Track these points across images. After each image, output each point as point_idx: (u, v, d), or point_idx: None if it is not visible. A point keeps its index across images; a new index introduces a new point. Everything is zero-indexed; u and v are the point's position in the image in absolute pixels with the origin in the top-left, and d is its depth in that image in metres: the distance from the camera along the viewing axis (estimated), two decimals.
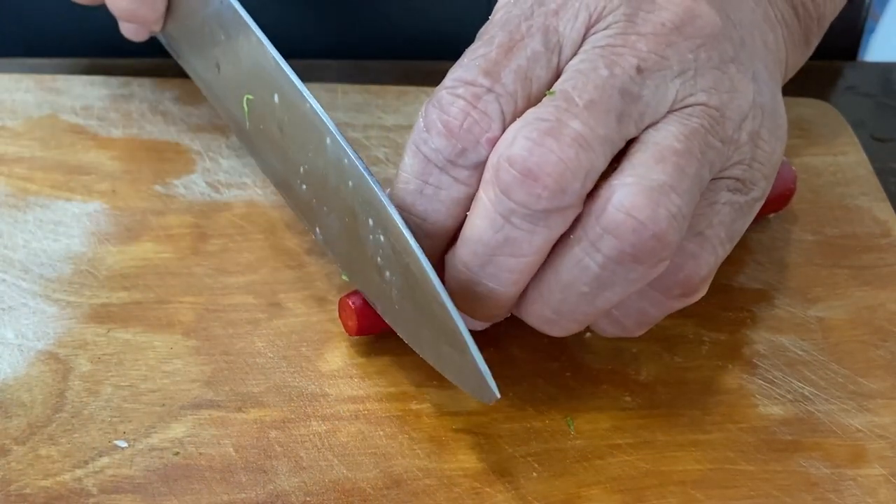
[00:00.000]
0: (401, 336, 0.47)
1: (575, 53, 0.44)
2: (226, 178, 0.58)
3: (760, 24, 0.48)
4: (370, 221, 0.45)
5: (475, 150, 0.43)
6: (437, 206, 0.44)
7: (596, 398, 0.49)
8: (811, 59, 0.69)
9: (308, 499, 0.45)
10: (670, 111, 0.43)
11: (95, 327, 0.51)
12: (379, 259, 0.45)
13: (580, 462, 0.47)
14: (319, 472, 0.46)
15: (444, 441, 0.47)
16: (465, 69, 0.43)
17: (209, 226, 0.56)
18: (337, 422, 0.47)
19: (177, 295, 0.52)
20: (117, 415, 0.47)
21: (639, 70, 0.43)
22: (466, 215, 0.44)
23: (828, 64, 0.72)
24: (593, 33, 0.44)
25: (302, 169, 0.49)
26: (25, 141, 0.59)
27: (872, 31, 0.84)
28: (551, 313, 0.45)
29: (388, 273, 0.45)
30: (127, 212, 0.56)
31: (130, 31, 0.57)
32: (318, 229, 0.50)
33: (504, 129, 0.43)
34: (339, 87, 0.64)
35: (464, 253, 0.44)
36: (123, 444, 0.46)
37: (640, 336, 0.50)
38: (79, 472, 0.45)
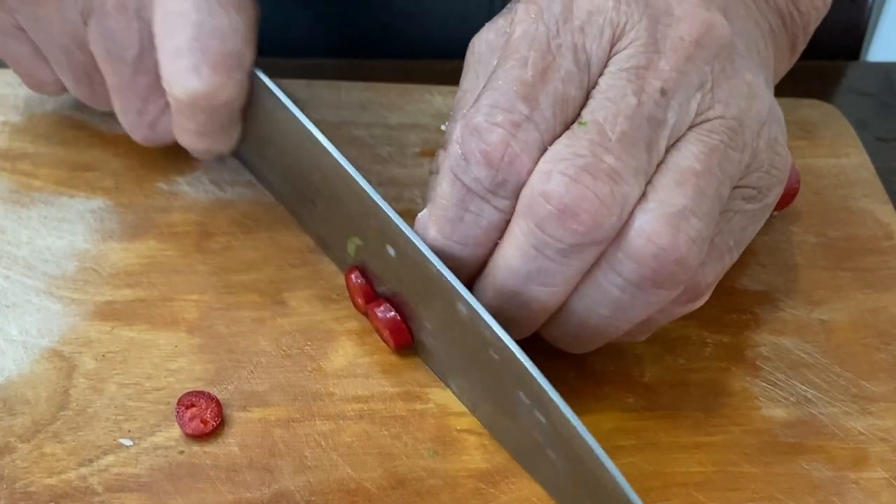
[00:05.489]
0: None
1: (601, 71, 0.43)
2: (230, 176, 0.58)
3: (752, 31, 0.49)
4: (523, 397, 0.43)
5: (516, 181, 0.42)
6: (476, 233, 0.44)
7: (599, 399, 0.49)
8: (814, 58, 0.70)
9: (312, 498, 0.45)
10: (691, 127, 0.43)
11: (100, 325, 0.51)
12: (538, 435, 0.43)
13: None
14: (324, 472, 0.46)
15: (449, 441, 0.47)
16: (502, 94, 0.43)
17: (213, 223, 0.56)
18: (341, 421, 0.48)
19: (181, 293, 0.52)
20: (122, 413, 0.47)
21: (663, 92, 0.43)
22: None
23: (831, 64, 0.72)
24: (616, 52, 0.43)
25: (428, 325, 0.47)
26: (30, 137, 0.59)
27: (875, 30, 0.84)
28: (571, 334, 0.45)
29: (551, 452, 0.43)
30: (131, 209, 0.56)
31: (201, 157, 0.56)
32: (452, 384, 0.49)
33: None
34: (343, 85, 0.64)
35: (495, 281, 0.44)
36: (128, 442, 0.46)
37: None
38: (84, 471, 0.45)
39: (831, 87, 0.71)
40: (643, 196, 0.42)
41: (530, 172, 0.42)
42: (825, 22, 0.61)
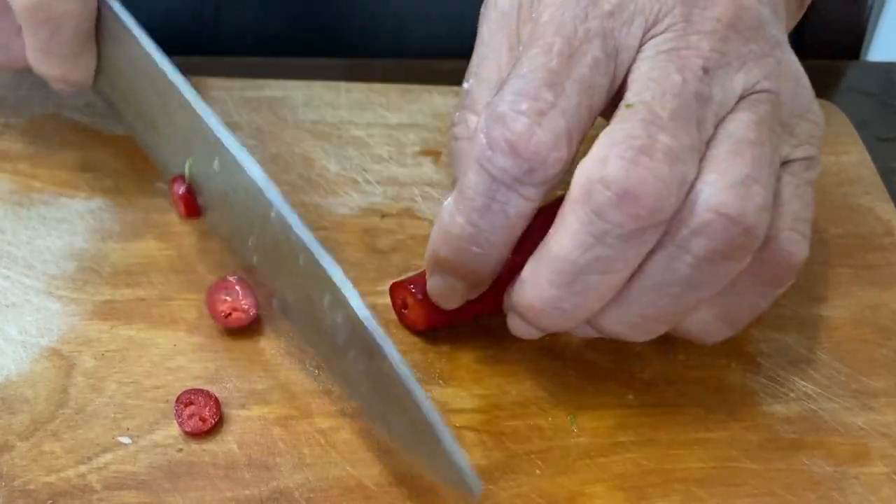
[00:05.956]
0: (366, 418, 0.47)
1: (633, 59, 0.43)
2: None
3: None
4: (326, 299, 0.44)
5: (543, 170, 0.42)
6: (504, 222, 0.43)
7: (599, 396, 0.49)
8: (814, 58, 0.69)
9: (311, 496, 0.45)
10: (738, 101, 0.44)
11: (99, 324, 0.51)
12: (340, 336, 0.44)
13: (583, 460, 0.47)
14: (322, 469, 0.46)
15: None
16: (527, 81, 0.42)
17: None
18: (340, 419, 0.47)
19: (180, 292, 0.52)
20: (121, 411, 0.47)
21: (705, 70, 0.43)
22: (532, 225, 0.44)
23: (831, 63, 0.72)
24: (652, 37, 0.43)
25: (250, 241, 0.48)
26: (29, 138, 0.59)
27: (875, 30, 0.84)
28: (637, 317, 0.44)
29: (350, 352, 0.44)
30: (130, 209, 0.56)
31: (60, 88, 0.56)
32: (274, 301, 0.49)
33: (570, 145, 0.42)
34: (343, 86, 0.64)
35: (548, 272, 0.43)
36: (127, 440, 0.46)
37: None
38: (82, 469, 0.45)
39: (831, 86, 0.71)
40: (702, 170, 0.42)
41: (558, 161, 0.42)
42: (826, 22, 0.61)
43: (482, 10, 0.47)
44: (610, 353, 0.51)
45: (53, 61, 0.53)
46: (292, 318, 0.49)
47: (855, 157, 0.62)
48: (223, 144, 0.47)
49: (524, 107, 0.42)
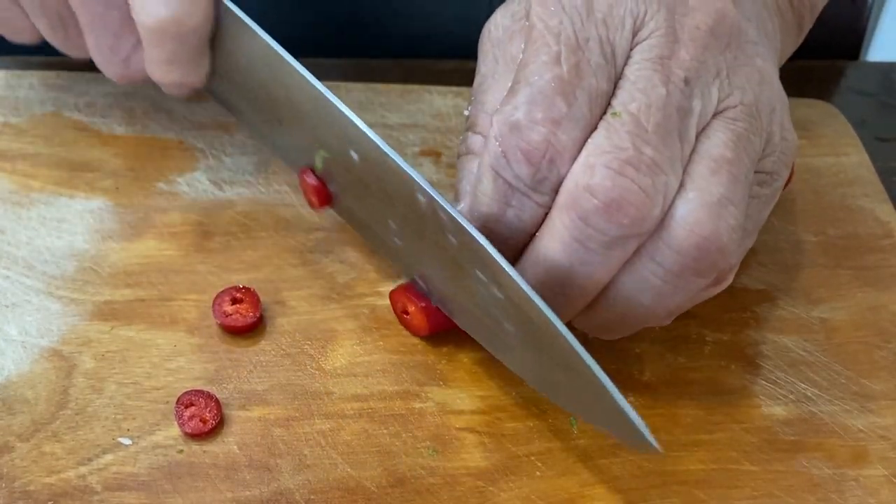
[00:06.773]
0: (528, 383, 0.48)
1: (625, 62, 0.44)
2: (229, 176, 0.58)
3: (762, 12, 0.49)
4: (478, 273, 0.44)
5: (556, 178, 0.43)
6: (518, 226, 0.44)
7: None
8: (813, 58, 0.69)
9: (312, 497, 0.45)
10: (714, 115, 0.44)
11: (99, 324, 0.51)
12: (494, 310, 0.45)
13: (583, 461, 0.47)
14: (323, 471, 0.46)
15: (448, 440, 0.47)
16: (539, 90, 0.43)
17: (212, 223, 0.56)
18: (341, 420, 0.48)
19: (180, 292, 0.52)
20: (121, 412, 0.47)
21: (686, 81, 0.43)
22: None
23: (830, 63, 0.72)
24: (638, 42, 0.44)
25: (392, 223, 0.48)
26: (29, 138, 0.59)
27: (875, 30, 0.84)
28: (608, 323, 0.45)
29: (507, 324, 0.44)
30: (130, 209, 0.56)
31: (174, 93, 0.55)
32: (416, 277, 0.50)
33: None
34: (343, 86, 0.64)
35: (535, 274, 0.44)
36: (127, 441, 0.46)
37: (642, 336, 0.51)
38: (83, 470, 0.45)
39: (831, 86, 0.71)
40: (680, 185, 0.43)
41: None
42: (825, 22, 0.61)
43: (479, 41, 0.48)
44: (609, 356, 0.51)
45: (174, 69, 0.52)
46: (439, 291, 0.49)
47: (854, 158, 0.62)
48: (364, 135, 0.46)
49: (539, 116, 0.42)
